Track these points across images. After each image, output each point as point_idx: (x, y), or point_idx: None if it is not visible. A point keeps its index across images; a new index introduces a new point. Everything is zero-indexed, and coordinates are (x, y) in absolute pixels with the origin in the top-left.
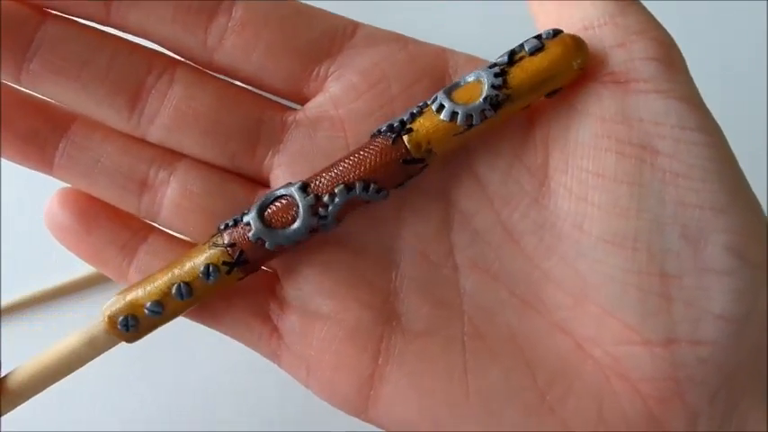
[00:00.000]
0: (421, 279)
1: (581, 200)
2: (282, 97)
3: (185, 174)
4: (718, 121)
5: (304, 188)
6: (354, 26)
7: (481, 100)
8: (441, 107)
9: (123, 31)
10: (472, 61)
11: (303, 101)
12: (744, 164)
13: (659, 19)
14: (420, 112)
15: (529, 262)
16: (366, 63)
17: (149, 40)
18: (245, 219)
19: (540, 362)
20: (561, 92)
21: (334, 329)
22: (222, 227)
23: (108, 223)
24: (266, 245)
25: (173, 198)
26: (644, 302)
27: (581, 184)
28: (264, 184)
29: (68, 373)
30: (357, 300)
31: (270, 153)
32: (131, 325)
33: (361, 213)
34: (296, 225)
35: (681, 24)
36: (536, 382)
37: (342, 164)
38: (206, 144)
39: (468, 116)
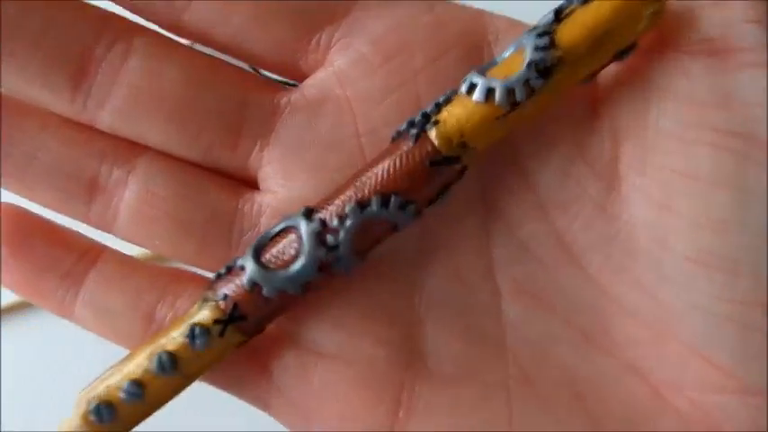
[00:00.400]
0: (452, 306)
1: (663, 208)
2: (273, 72)
3: (148, 172)
4: None
5: (308, 214)
6: None
7: (524, 68)
8: (472, 87)
9: None
10: (516, 27)
11: (300, 77)
12: None
13: None
14: (448, 100)
15: (593, 286)
16: (381, 29)
17: None
18: (239, 262)
19: (607, 413)
20: (632, 54)
21: (341, 371)
22: (215, 276)
23: (45, 245)
24: (264, 291)
25: (131, 203)
26: (744, 340)
27: (663, 188)
28: (251, 184)
29: None
30: (370, 334)
31: (257, 145)
32: (105, 414)
33: None
34: (299, 262)
35: None
36: None
37: (354, 179)
38: (173, 133)
39: (510, 91)
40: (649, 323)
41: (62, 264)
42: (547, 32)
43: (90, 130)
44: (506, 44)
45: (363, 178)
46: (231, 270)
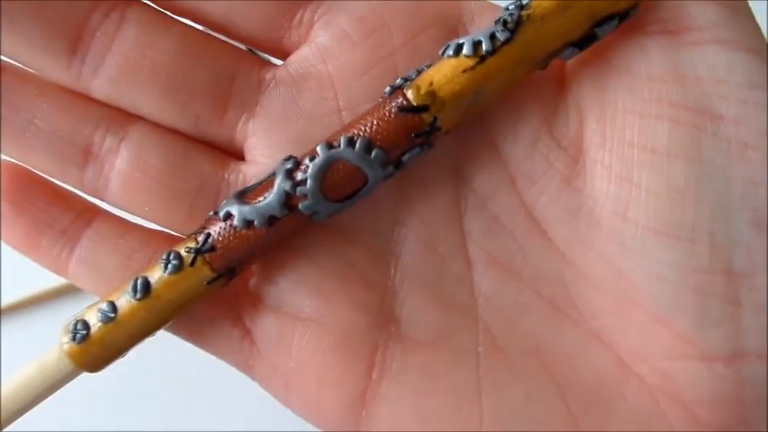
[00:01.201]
0: (426, 275)
1: (624, 180)
2: (259, 48)
3: (139, 140)
4: None
5: (288, 158)
6: None
7: (492, 23)
8: (446, 48)
9: None
10: (491, 9)
11: (284, 53)
12: None
13: None
14: (429, 66)
15: (560, 257)
16: (361, 6)
17: None
18: (224, 202)
19: (573, 380)
20: (616, 29)
21: (319, 335)
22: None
23: (44, 203)
24: (234, 222)
25: (123, 170)
26: (704, 307)
27: (624, 161)
28: (237, 154)
29: (25, 409)
30: (348, 299)
31: (243, 117)
32: (80, 331)
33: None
34: (269, 196)
35: None
36: (567, 405)
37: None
38: (164, 103)
39: (476, 44)
40: (613, 293)
41: (60, 221)
42: (520, 1)
43: (85, 98)
44: (482, 25)
45: (340, 129)
46: (217, 212)
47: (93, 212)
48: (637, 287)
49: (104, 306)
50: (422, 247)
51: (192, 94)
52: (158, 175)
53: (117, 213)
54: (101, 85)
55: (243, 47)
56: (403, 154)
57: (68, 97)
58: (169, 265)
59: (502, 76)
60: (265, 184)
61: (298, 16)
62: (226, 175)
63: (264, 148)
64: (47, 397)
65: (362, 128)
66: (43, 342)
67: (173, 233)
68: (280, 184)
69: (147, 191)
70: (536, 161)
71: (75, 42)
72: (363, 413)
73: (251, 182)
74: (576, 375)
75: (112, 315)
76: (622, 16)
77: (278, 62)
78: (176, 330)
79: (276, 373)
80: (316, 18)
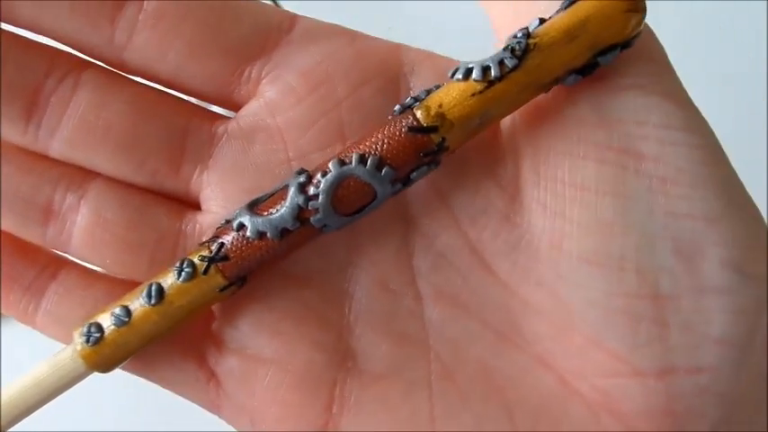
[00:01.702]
0: (379, 312)
1: (558, 215)
2: (210, 102)
3: (98, 197)
4: (717, 125)
5: (300, 172)
6: (292, 19)
7: (501, 50)
8: (455, 71)
9: (14, 26)
10: (431, 58)
11: (235, 107)
12: (744, 169)
13: (657, 19)
14: (438, 87)
15: (503, 288)
16: (306, 62)
17: (46, 36)
18: (236, 212)
19: (520, 401)
20: (614, 61)
21: (280, 375)
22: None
23: (10, 259)
24: (248, 233)
25: (84, 227)
26: (634, 330)
27: (556, 198)
28: (193, 205)
29: (35, 407)
30: (305, 339)
31: (198, 169)
32: (94, 334)
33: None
34: (282, 208)
35: (682, 24)
36: (515, 425)
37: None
38: (120, 160)
39: (485, 69)
40: (553, 319)
41: (25, 276)
42: (527, 29)
43: (45, 158)
44: (422, 74)
45: (351, 146)
46: (229, 222)
47: (59, 265)
48: (574, 312)
49: (118, 311)
50: (374, 285)
51: (147, 150)
52: (117, 230)
53: (81, 268)
54: (57, 147)
55: (194, 101)
56: (411, 172)
57: (28, 159)
58: (183, 273)
59: (508, 101)
60: (277, 196)
61: (246, 72)
62: (182, 227)
63: (219, 199)
64: (57, 396)
65: (373, 146)
66: (43, 342)
67: (136, 282)
68: (293, 197)
69: (107, 245)
70: (478, 201)
71: (30, 107)
72: None
73: (206, 231)
74: (523, 396)
75: (126, 319)
76: (624, 46)
77: (229, 114)
78: (146, 375)
79: (242, 412)
80: (263, 74)
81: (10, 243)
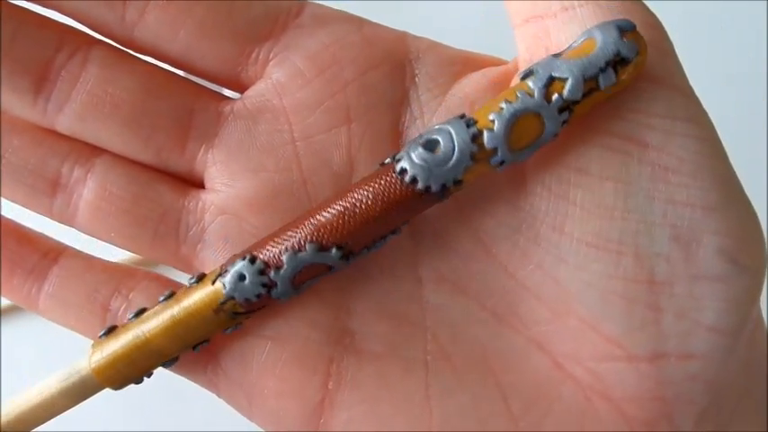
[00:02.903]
0: (379, 293)
1: (561, 198)
2: (217, 83)
3: (104, 171)
4: (718, 123)
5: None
6: (301, 4)
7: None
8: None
9: (28, 1)
10: (435, 47)
11: (242, 88)
12: (743, 165)
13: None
14: None
15: (502, 271)
16: (314, 45)
17: (59, 11)
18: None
19: (514, 384)
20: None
21: (278, 351)
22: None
23: (14, 244)
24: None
25: (90, 200)
26: (629, 313)
27: (560, 182)
28: (198, 183)
29: (45, 421)
30: (304, 317)
31: (203, 148)
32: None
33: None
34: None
35: (681, 24)
36: (509, 406)
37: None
38: (127, 136)
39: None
40: (550, 302)
41: (28, 260)
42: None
43: (53, 133)
44: (428, 61)
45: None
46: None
47: (59, 251)
48: (571, 295)
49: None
50: (375, 268)
51: (154, 126)
52: (122, 204)
53: (81, 250)
54: (65, 121)
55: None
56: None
57: (38, 133)
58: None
59: None
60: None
61: (254, 54)
62: (186, 203)
63: (223, 177)
64: (68, 410)
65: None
66: (43, 342)
67: (135, 267)
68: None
69: (112, 219)
70: (482, 185)
71: (40, 81)
72: (321, 420)
73: (209, 209)
74: (517, 378)
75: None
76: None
77: (235, 95)
78: None
79: (240, 389)
80: (271, 56)
81: (12, 230)
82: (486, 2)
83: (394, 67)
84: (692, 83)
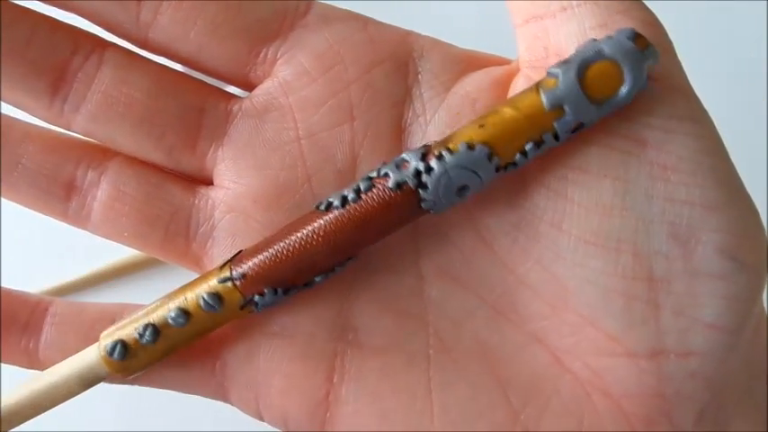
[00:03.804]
0: (381, 288)
1: (560, 196)
2: (227, 82)
3: (117, 173)
4: (718, 122)
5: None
6: (308, 4)
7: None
8: None
9: (45, 3)
10: (439, 45)
11: (250, 87)
12: (743, 163)
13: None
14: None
15: (502, 266)
16: (320, 44)
17: (74, 13)
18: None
19: (513, 377)
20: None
21: (283, 347)
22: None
23: (5, 306)
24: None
25: (104, 201)
26: (628, 310)
27: (560, 180)
28: (207, 182)
29: (50, 407)
30: (308, 313)
31: (213, 146)
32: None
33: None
34: None
35: (681, 24)
36: (508, 399)
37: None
38: (140, 136)
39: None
40: (549, 297)
41: (20, 317)
42: None
43: (68, 139)
44: (431, 59)
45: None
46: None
47: (46, 303)
48: (570, 291)
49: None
50: (378, 264)
51: (166, 125)
52: (135, 204)
53: (68, 300)
54: (81, 122)
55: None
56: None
57: (52, 138)
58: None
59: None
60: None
61: (262, 53)
62: (196, 201)
63: (232, 174)
64: (74, 396)
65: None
66: None
67: (125, 302)
68: None
69: (125, 219)
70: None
71: (56, 83)
72: (327, 414)
73: (218, 206)
74: (517, 373)
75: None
76: None
77: (243, 93)
78: (158, 384)
79: (248, 390)
80: (279, 55)
81: (4, 294)
82: (491, 2)
83: (397, 65)
84: (691, 82)
